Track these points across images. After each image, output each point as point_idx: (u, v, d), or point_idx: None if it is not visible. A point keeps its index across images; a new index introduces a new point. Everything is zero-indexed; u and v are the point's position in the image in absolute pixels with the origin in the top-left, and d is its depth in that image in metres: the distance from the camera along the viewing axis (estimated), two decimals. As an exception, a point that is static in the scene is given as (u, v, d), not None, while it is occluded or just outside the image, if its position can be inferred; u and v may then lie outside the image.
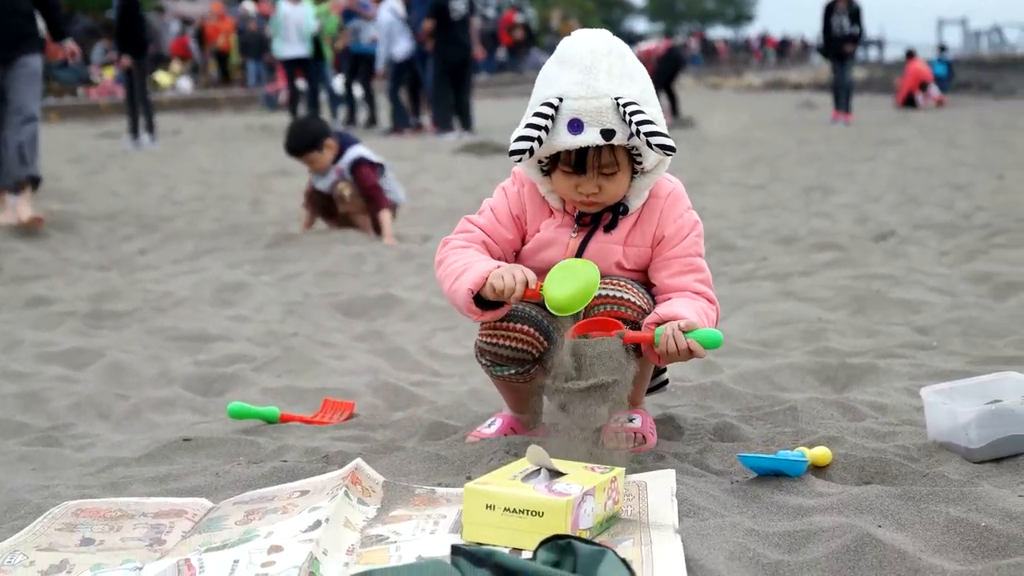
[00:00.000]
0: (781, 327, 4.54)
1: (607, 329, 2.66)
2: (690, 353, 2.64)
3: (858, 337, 4.37)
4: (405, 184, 8.57)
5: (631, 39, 46.67)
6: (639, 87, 2.72)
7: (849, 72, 17.51)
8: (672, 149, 2.66)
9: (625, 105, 2.66)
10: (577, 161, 2.74)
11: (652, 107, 2.71)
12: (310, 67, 16.96)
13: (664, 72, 17.69)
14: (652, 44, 20.04)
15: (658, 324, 2.69)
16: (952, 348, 4.06)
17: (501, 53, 38.87)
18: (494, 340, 2.85)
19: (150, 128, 14.80)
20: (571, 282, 2.66)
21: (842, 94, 17.48)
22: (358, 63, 17.97)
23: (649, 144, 2.65)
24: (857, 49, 18.11)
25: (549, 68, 2.77)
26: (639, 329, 2.74)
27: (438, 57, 15.39)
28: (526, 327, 2.83)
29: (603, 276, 2.79)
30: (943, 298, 4.96)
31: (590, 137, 2.68)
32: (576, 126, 2.68)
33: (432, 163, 12.40)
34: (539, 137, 2.68)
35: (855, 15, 16.87)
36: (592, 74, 2.68)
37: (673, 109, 17.77)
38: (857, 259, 6.10)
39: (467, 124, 16.06)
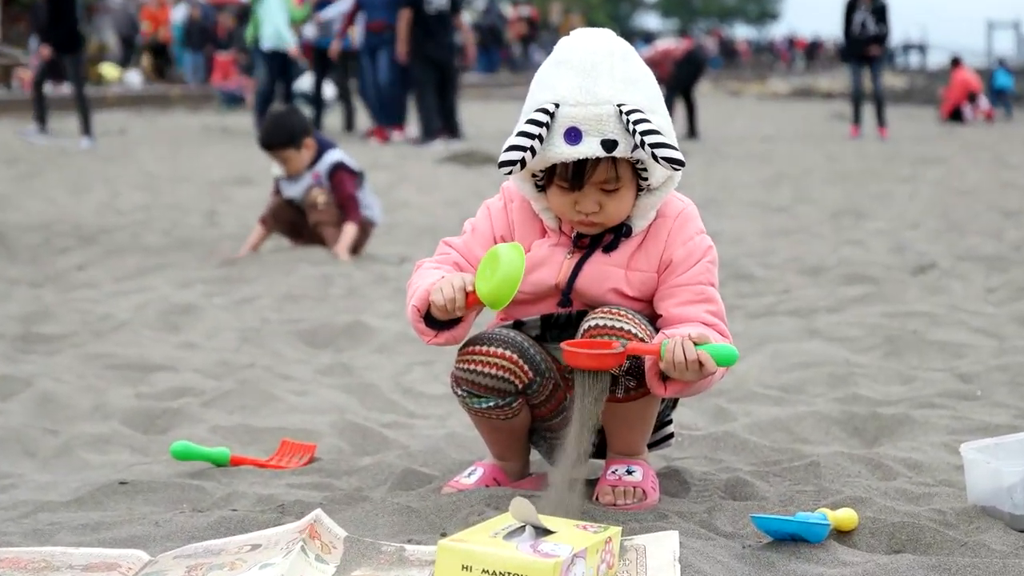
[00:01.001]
0: (804, 370, 4.54)
1: (605, 344, 2.66)
2: (700, 367, 2.63)
3: (891, 384, 4.37)
4: (383, 196, 8.58)
5: (646, 38, 46.77)
6: (644, 93, 2.73)
7: (880, 79, 17.31)
8: (681, 163, 2.66)
9: (629, 113, 2.67)
10: (575, 175, 2.74)
11: (659, 116, 2.72)
12: (288, 61, 16.82)
13: (682, 77, 17.23)
14: (670, 43, 19.61)
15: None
16: (998, 399, 4.07)
17: (517, 49, 39.31)
18: (470, 366, 2.84)
19: (87, 129, 14.82)
20: (498, 271, 2.66)
21: (865, 105, 17.33)
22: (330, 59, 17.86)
23: (655, 157, 2.66)
24: (884, 52, 17.95)
25: (545, 71, 2.78)
26: (639, 369, 2.74)
27: (416, 56, 15.31)
28: (505, 351, 2.81)
29: (601, 305, 2.80)
30: (989, 341, 4.97)
31: (589, 148, 2.68)
32: (574, 135, 2.69)
33: (413, 173, 12.43)
34: (532, 147, 2.68)
35: (880, 13, 16.71)
36: (592, 77, 2.69)
37: (690, 125, 17.37)
38: (892, 294, 6.11)
39: (453, 130, 16.06)
